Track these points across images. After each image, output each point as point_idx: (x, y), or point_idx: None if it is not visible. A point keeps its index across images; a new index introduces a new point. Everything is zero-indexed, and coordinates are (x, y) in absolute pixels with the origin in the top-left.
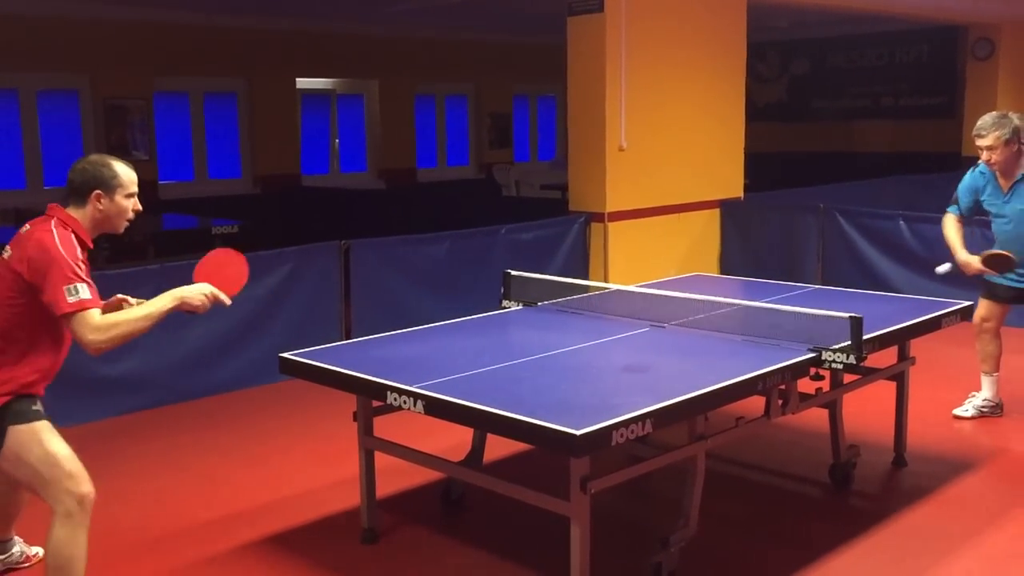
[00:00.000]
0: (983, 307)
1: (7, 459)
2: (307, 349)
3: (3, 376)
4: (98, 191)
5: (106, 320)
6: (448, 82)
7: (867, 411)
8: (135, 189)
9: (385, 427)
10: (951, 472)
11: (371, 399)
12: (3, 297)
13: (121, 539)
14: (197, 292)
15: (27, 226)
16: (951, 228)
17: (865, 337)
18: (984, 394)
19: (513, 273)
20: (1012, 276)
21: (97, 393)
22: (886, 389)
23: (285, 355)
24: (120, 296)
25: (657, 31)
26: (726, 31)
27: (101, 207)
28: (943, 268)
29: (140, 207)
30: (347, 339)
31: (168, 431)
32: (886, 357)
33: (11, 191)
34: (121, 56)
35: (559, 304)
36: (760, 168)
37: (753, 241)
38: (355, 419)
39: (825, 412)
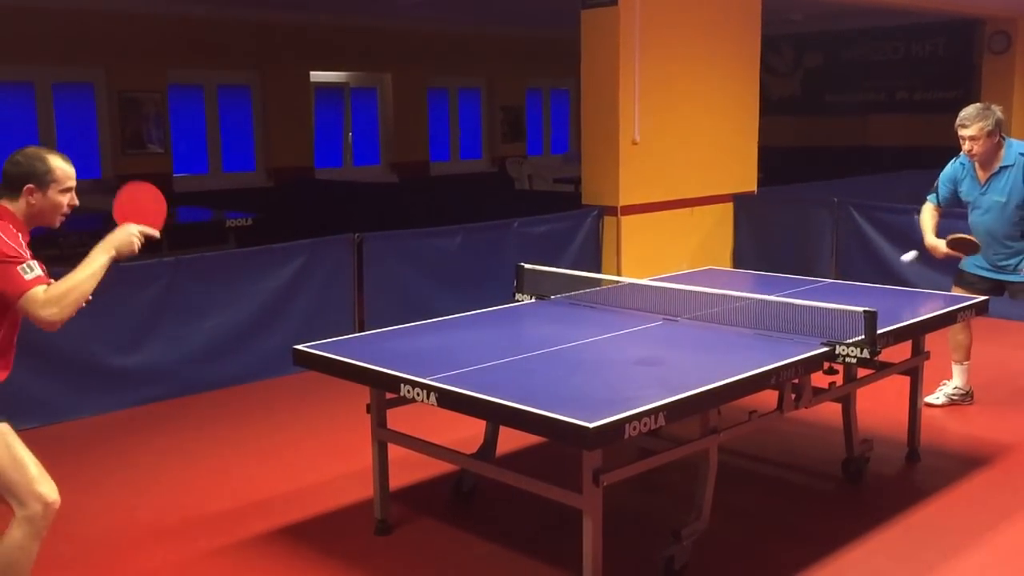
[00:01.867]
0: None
1: None
2: (321, 341)
3: None
4: (30, 185)
5: (56, 290)
6: (461, 75)
7: (881, 406)
8: (71, 184)
9: (398, 419)
10: (965, 467)
11: (384, 391)
12: None
13: (135, 530)
14: (125, 236)
15: None
16: (926, 214)
17: (879, 331)
18: (955, 382)
19: (526, 266)
20: (984, 266)
21: (111, 385)
22: (900, 384)
23: (299, 347)
24: None
25: (671, 25)
26: (740, 24)
27: (33, 201)
28: (908, 256)
29: (77, 202)
30: (360, 331)
31: (181, 423)
32: (900, 352)
33: None
34: (136, 49)
35: (572, 297)
36: (774, 162)
37: (766, 235)
38: (368, 411)
39: (839, 406)
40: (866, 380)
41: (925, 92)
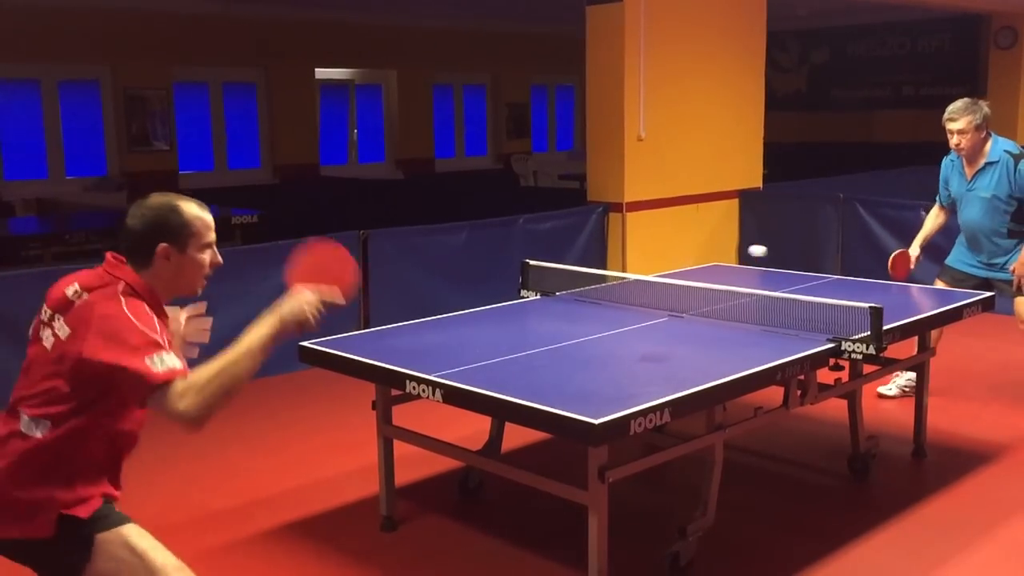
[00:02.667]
0: (938, 287)
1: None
2: (326, 338)
3: (79, 483)
4: (165, 244)
5: (195, 379)
6: (466, 72)
7: (887, 402)
8: (213, 237)
9: (404, 416)
10: (971, 463)
11: (390, 387)
12: (62, 386)
13: (140, 525)
14: (298, 305)
15: (78, 289)
16: (930, 216)
17: (885, 327)
18: (908, 373)
19: (531, 263)
20: (972, 263)
21: None
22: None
23: (305, 344)
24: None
25: (676, 20)
26: (745, 20)
27: (171, 264)
28: (757, 251)
29: (220, 259)
30: (365, 328)
31: None
32: (906, 348)
33: (34, 181)
34: (141, 47)
35: (577, 294)
36: (779, 158)
37: (772, 231)
38: (374, 407)
39: (844, 403)
40: (872, 376)
41: (931, 88)
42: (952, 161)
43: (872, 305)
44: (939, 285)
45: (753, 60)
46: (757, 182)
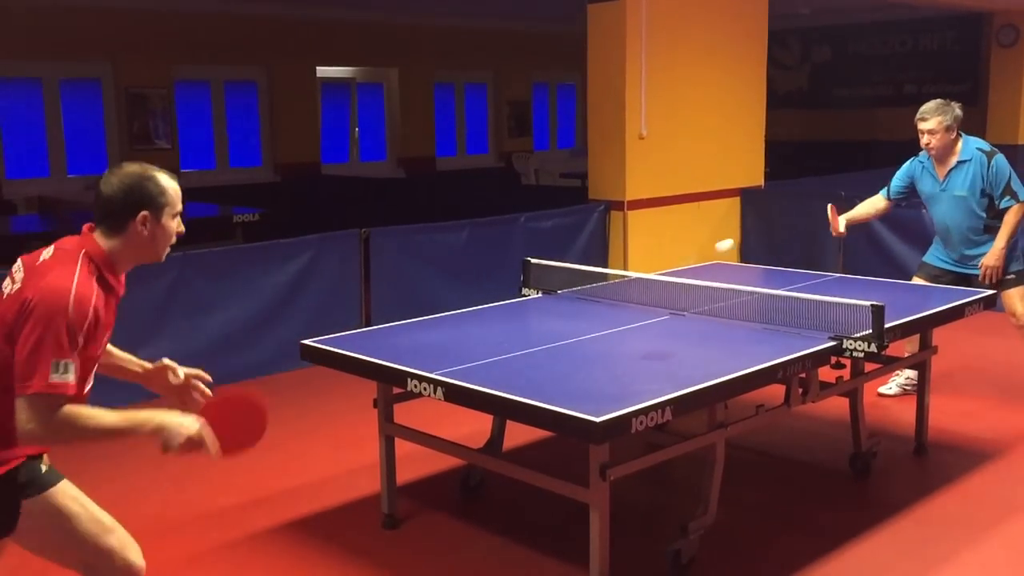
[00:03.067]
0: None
1: (29, 541)
2: (328, 336)
3: (4, 438)
4: (145, 212)
5: (78, 416)
6: (467, 70)
7: (888, 400)
8: (181, 207)
9: (405, 414)
10: (973, 461)
11: (391, 386)
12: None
13: (141, 524)
14: (183, 432)
15: (51, 251)
16: (867, 201)
17: (887, 325)
18: (908, 372)
19: (533, 261)
20: (948, 260)
21: (118, 379)
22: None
23: (306, 342)
24: (166, 362)
25: (678, 19)
26: (747, 18)
27: (146, 233)
28: (723, 245)
29: (183, 228)
30: (367, 326)
31: None
32: (908, 346)
33: (35, 179)
34: (143, 45)
35: (579, 292)
36: (781, 156)
37: (773, 229)
38: (375, 406)
39: (846, 401)
40: (874, 374)
41: (933, 86)
42: (921, 163)
43: (874, 303)
44: (917, 282)
45: (755, 58)
46: (759, 180)
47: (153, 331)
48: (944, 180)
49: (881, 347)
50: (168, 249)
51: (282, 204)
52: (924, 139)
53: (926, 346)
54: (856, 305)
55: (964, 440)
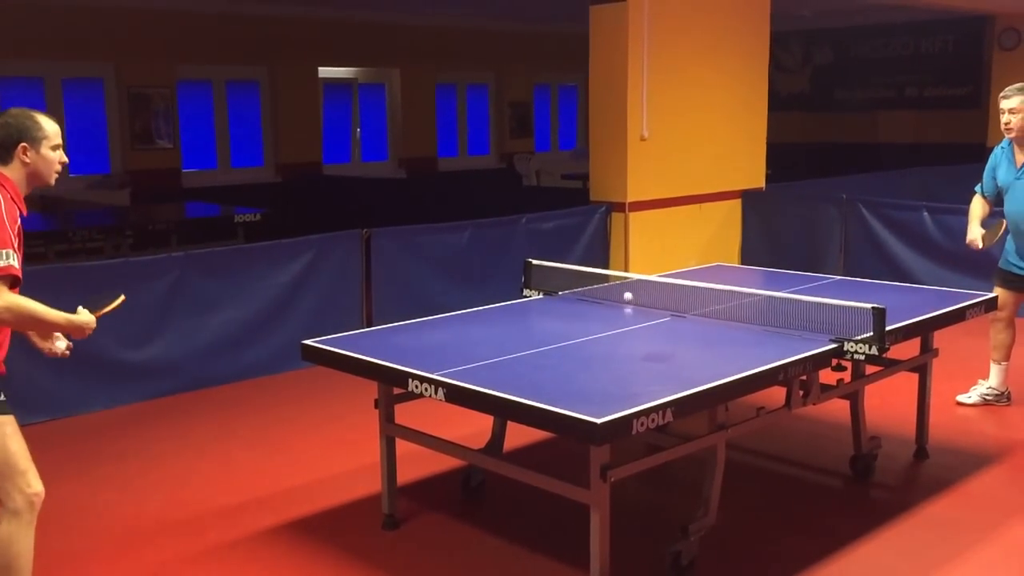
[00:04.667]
0: (997, 296)
1: None
2: (329, 336)
3: None
4: (24, 144)
5: (23, 303)
6: (469, 71)
7: (889, 403)
8: (60, 140)
9: (406, 414)
10: (973, 465)
11: (392, 386)
12: None
13: (144, 523)
14: (84, 324)
15: None
16: (975, 204)
17: (888, 328)
18: (990, 382)
19: (534, 262)
20: (1016, 261)
21: (120, 379)
22: (908, 381)
23: (308, 342)
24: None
25: (680, 20)
26: (749, 20)
27: (28, 160)
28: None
29: (66, 158)
30: (368, 327)
31: (190, 417)
32: (909, 349)
33: None
34: (145, 45)
35: (580, 293)
36: (782, 158)
37: (775, 232)
38: (376, 406)
39: (847, 403)
40: (874, 377)
41: (935, 88)
42: (1003, 148)
43: (875, 306)
44: (996, 291)
45: (756, 60)
46: (760, 182)
47: (155, 331)
48: (1021, 168)
49: (882, 350)
50: (55, 176)
51: (284, 204)
52: (1004, 118)
53: (927, 349)
54: (857, 308)
55: (965, 443)
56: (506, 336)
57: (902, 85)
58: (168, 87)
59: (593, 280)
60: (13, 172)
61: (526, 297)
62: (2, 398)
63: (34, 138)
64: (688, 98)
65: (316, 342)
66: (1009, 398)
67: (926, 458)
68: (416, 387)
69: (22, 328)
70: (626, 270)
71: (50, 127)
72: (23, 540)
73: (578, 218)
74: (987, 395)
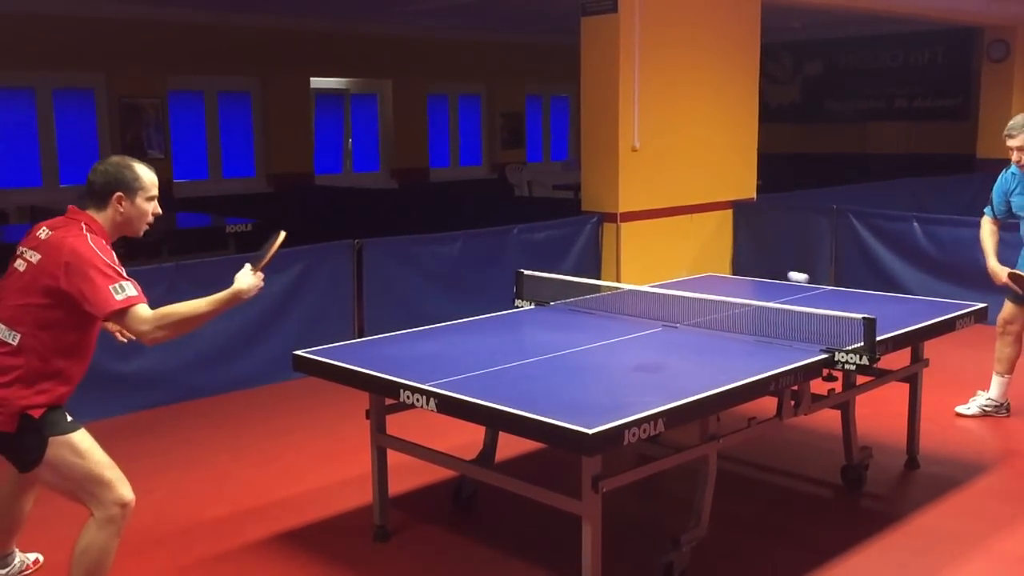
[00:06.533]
0: (1007, 309)
1: (49, 469)
2: (320, 347)
3: (38, 387)
4: (119, 193)
5: (158, 311)
6: (461, 82)
7: (880, 413)
8: (156, 192)
9: (397, 425)
10: (964, 475)
11: (384, 397)
12: (33, 304)
13: (133, 535)
14: (250, 286)
15: (47, 230)
16: (986, 231)
17: (879, 338)
18: (990, 393)
19: (526, 273)
20: None
21: (111, 390)
22: (899, 391)
23: (299, 352)
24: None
25: (671, 32)
26: (739, 32)
27: (122, 210)
28: (798, 276)
29: (160, 210)
30: (360, 337)
31: (181, 428)
32: (899, 359)
33: (28, 189)
34: (136, 55)
35: (571, 304)
36: (773, 169)
37: (766, 242)
38: (368, 417)
39: (838, 413)
40: (865, 387)
41: (924, 100)
42: (1014, 174)
43: (865, 316)
44: (1008, 306)
45: (747, 71)
46: (751, 193)
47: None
48: None
49: (873, 360)
50: (146, 226)
51: (275, 215)
52: (1015, 156)
53: (917, 359)
54: (848, 318)
55: (955, 453)
56: (498, 347)
57: (892, 96)
58: (159, 97)
59: (585, 291)
60: (105, 219)
61: (518, 308)
62: (69, 418)
63: (131, 188)
64: (679, 109)
65: (307, 353)
66: (1008, 410)
67: (917, 468)
68: (408, 398)
69: (184, 332)
70: (618, 280)
71: (148, 178)
72: (112, 547)
73: (570, 228)
74: (986, 406)
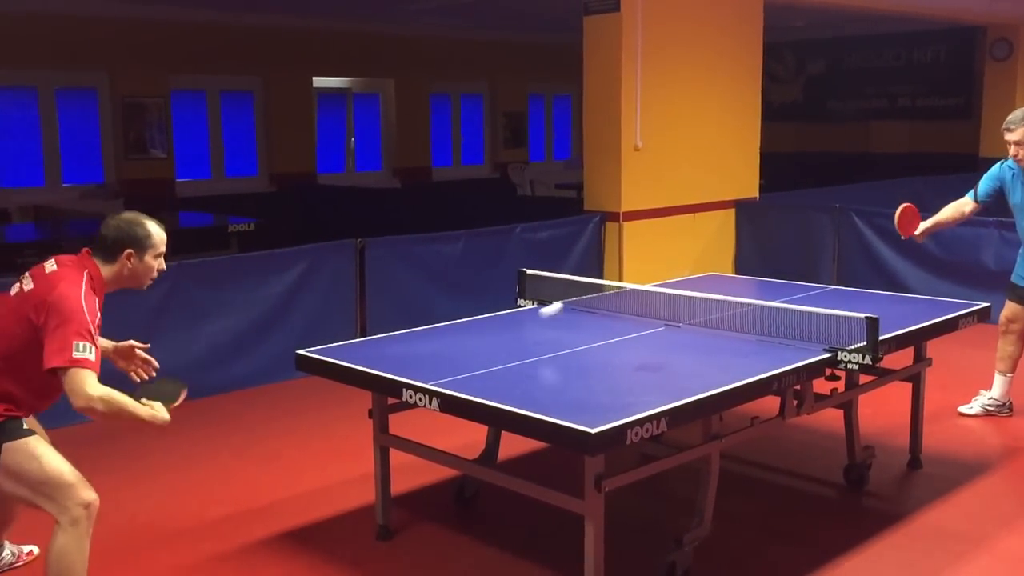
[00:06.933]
0: (1009, 309)
1: (5, 475)
2: (323, 346)
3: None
4: (130, 250)
5: (107, 390)
6: (463, 81)
7: (883, 412)
8: (164, 249)
9: (400, 424)
10: (966, 474)
11: (386, 396)
12: (11, 328)
13: (136, 535)
14: (160, 416)
15: (54, 264)
16: (951, 205)
17: (881, 338)
18: (993, 393)
19: (528, 272)
20: None
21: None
22: (902, 390)
23: (302, 352)
24: (132, 343)
25: (673, 31)
26: (742, 31)
27: (131, 266)
28: (550, 310)
29: (165, 267)
30: (362, 336)
31: (184, 427)
32: (902, 358)
33: (30, 188)
34: (139, 54)
35: (574, 303)
36: (776, 168)
37: (768, 241)
38: (370, 416)
39: (840, 413)
40: (868, 387)
41: (927, 99)
42: (1011, 168)
43: (868, 315)
44: (1010, 306)
45: (750, 71)
46: (753, 192)
47: (148, 340)
48: None
49: (875, 359)
50: (151, 282)
51: (277, 214)
52: (1012, 151)
53: (920, 358)
54: (850, 317)
55: (958, 452)
56: (500, 346)
57: (894, 95)
58: (162, 97)
59: (587, 290)
60: (111, 272)
61: (520, 307)
62: (25, 426)
63: (142, 246)
64: (682, 108)
65: (310, 352)
66: (1011, 409)
67: (920, 467)
68: (410, 397)
69: (108, 420)
70: (620, 279)
71: (159, 236)
72: (81, 549)
73: (572, 228)
74: (988, 406)
